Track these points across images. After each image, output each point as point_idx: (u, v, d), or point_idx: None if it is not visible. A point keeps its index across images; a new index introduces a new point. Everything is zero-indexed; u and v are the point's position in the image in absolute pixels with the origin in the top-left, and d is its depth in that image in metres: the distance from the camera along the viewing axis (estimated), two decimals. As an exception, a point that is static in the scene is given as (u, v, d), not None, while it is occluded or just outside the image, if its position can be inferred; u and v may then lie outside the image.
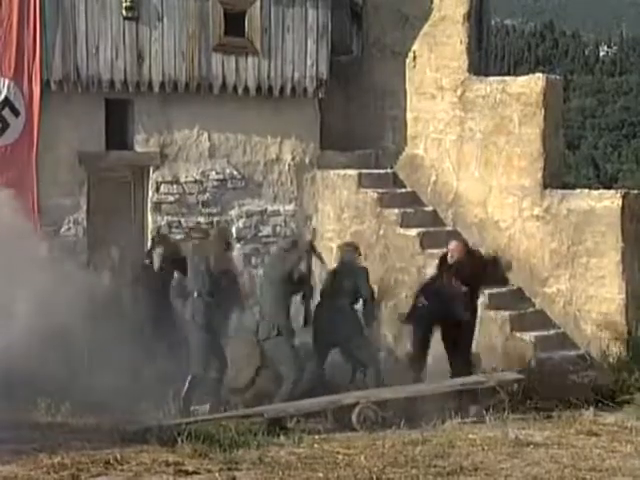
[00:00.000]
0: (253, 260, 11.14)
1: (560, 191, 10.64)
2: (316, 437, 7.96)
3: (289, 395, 8.55)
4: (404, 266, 10.78)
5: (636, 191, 10.70)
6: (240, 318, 9.49)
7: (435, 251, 10.75)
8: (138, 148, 10.61)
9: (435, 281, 9.49)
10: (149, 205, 10.64)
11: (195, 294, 8.98)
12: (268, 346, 8.80)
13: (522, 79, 10.87)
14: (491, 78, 11.19)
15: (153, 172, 10.67)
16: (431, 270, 10.13)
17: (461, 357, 9.16)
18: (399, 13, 11.50)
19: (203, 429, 7.70)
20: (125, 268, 9.41)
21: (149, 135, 10.61)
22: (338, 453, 7.24)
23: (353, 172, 11.38)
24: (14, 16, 9.71)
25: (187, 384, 8.72)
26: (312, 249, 9.51)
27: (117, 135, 10.46)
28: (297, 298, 9.13)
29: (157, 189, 10.69)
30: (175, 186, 10.76)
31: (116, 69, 10.24)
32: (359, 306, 9.19)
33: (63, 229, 10.11)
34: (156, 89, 10.48)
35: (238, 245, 11.01)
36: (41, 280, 8.37)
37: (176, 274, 9.31)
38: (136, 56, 10.31)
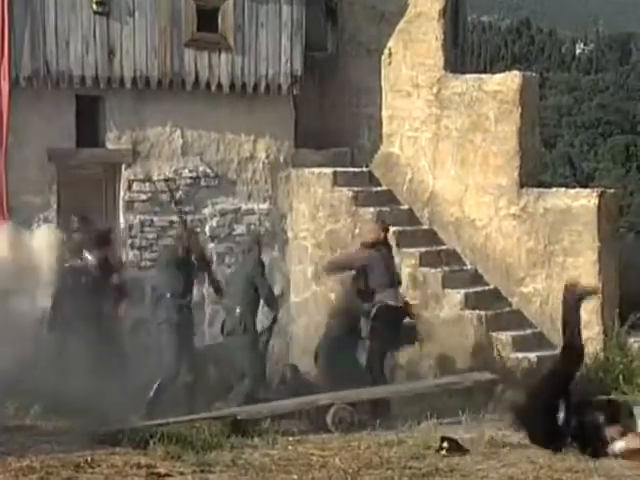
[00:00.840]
0: (227, 259, 11.10)
1: (536, 190, 10.69)
2: (290, 439, 7.96)
3: (249, 392, 8.59)
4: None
5: (612, 190, 10.80)
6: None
7: (411, 250, 10.78)
8: (110, 145, 10.55)
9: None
10: (121, 204, 10.59)
11: (168, 295, 8.95)
12: (231, 341, 8.86)
13: (498, 76, 10.92)
14: (467, 75, 11.23)
15: (125, 170, 10.61)
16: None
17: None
18: (374, 9, 11.51)
19: (175, 431, 7.68)
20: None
21: (121, 132, 10.55)
22: (313, 455, 7.24)
23: (328, 170, 11.37)
24: (-19, 11, 9.63)
25: (155, 388, 8.68)
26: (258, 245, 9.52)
27: (88, 132, 10.39)
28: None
29: (129, 187, 10.63)
30: (147, 184, 10.71)
31: (87, 65, 10.17)
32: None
33: (33, 228, 10.04)
34: (128, 85, 10.43)
35: (212, 244, 10.98)
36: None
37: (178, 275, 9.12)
38: (107, 52, 10.25)
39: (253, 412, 8.36)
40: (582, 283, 7.64)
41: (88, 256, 8.84)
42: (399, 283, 9.53)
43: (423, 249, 10.88)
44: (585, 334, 10.05)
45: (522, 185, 10.68)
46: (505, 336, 10.28)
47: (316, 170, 11.43)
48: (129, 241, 10.58)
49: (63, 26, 10.02)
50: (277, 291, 11.02)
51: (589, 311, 10.16)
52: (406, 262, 10.72)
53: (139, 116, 10.63)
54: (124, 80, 10.39)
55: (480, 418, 8.54)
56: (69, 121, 10.25)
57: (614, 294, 10.35)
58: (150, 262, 10.63)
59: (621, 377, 9.77)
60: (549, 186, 11.41)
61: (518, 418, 6.77)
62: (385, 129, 11.54)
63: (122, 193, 10.61)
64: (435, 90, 11.14)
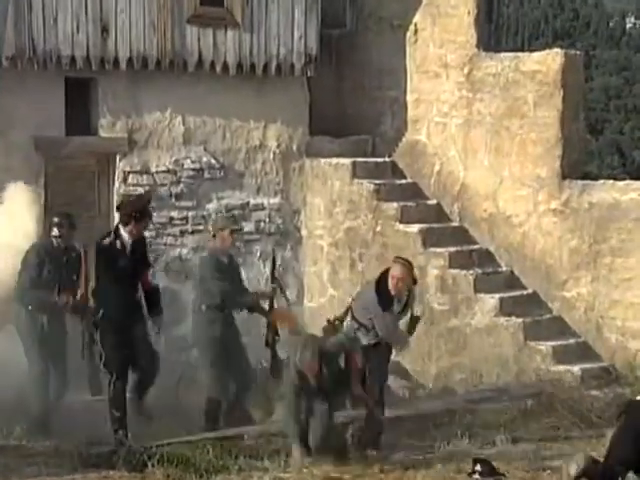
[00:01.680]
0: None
1: (581, 182, 10.66)
2: (304, 460, 7.96)
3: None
4: (404, 267, 10.77)
5: (667, 182, 10.74)
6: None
7: (440, 250, 10.78)
8: (103, 133, 10.59)
9: None
10: (115, 198, 10.62)
11: (203, 307, 8.84)
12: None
13: (538, 55, 10.90)
14: (503, 54, 11.21)
15: (120, 160, 10.66)
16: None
17: None
18: (398, -20, 11.53)
19: (177, 452, 7.70)
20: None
21: (115, 119, 10.59)
22: (330, 478, 7.24)
23: (346, 161, 11.38)
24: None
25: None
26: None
27: (79, 119, 10.42)
28: None
29: (124, 180, 10.69)
30: (145, 176, 10.77)
31: (77, 43, 10.20)
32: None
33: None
34: (123, 66, 10.46)
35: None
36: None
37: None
38: (100, 29, 10.28)
39: (261, 431, 8.37)
40: None
41: (123, 233, 8.09)
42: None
43: (453, 249, 10.88)
44: (636, 344, 10.11)
45: (564, 177, 10.66)
46: (545, 346, 10.26)
47: (333, 160, 11.45)
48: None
49: (51, 0, 10.07)
50: (291, 296, 11.06)
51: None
52: (434, 263, 10.72)
53: (135, 101, 10.67)
54: (119, 60, 10.42)
55: (517, 438, 8.52)
56: (58, 106, 10.30)
57: (668, 299, 10.32)
58: (148, 263, 10.66)
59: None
60: (595, 178, 11.38)
61: None
62: (410, 114, 11.54)
63: (117, 186, 10.66)
64: (466, 71, 11.14)
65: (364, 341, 8.04)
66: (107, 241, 8.06)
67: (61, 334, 8.75)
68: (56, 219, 8.91)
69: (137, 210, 8.10)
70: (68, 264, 8.69)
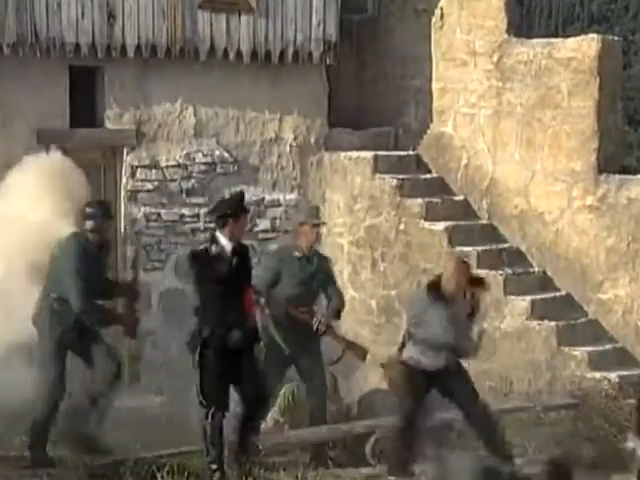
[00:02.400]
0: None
1: (618, 177, 10.65)
2: (321, 471, 7.99)
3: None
4: (429, 267, 10.78)
5: None
6: None
7: (467, 248, 10.77)
8: (109, 125, 10.62)
9: None
10: (123, 194, 10.67)
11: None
12: None
13: (572, 41, 10.88)
14: (535, 40, 11.20)
15: (128, 154, 10.69)
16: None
17: None
18: (423, -38, 11.54)
19: (187, 462, 7.73)
20: None
21: (123, 110, 10.62)
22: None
23: (368, 154, 11.39)
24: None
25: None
26: None
27: (84, 109, 10.47)
28: None
29: (132, 174, 10.72)
30: (154, 171, 10.80)
31: (82, 30, 10.23)
32: None
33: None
34: (130, 54, 10.49)
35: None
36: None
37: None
38: (106, 14, 10.32)
39: (279, 441, 8.40)
40: None
41: (221, 237, 7.44)
42: None
43: (481, 247, 10.87)
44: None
45: (601, 171, 10.64)
46: (580, 352, 10.24)
47: (353, 154, 11.45)
48: (132, 238, 10.65)
49: (54, -16, 10.13)
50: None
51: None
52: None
53: (144, 91, 10.70)
54: (126, 48, 10.45)
55: (552, 453, 8.51)
56: (61, 96, 10.34)
57: None
58: (158, 263, 10.73)
59: None
60: (634, 172, 11.34)
61: None
62: (436, 105, 11.53)
63: (124, 181, 10.70)
64: (496, 58, 11.13)
65: (427, 365, 7.79)
66: (202, 247, 7.43)
67: (96, 341, 8.05)
68: (89, 209, 7.99)
69: (232, 206, 7.46)
70: (101, 263, 8.03)
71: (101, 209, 8.08)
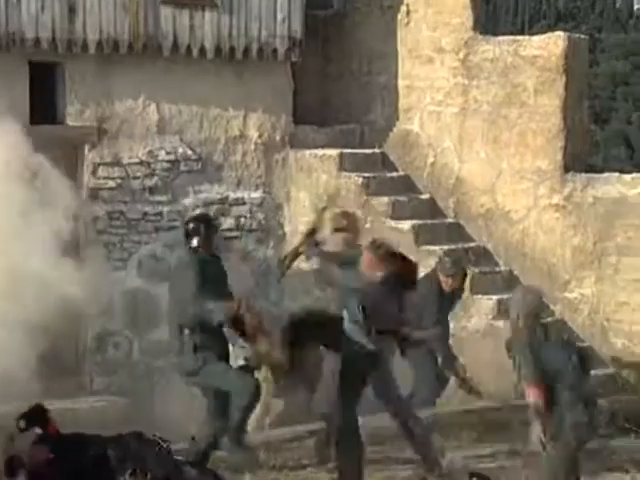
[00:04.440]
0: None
1: (584, 175, 10.71)
2: (290, 474, 7.99)
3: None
4: (395, 266, 10.81)
5: (677, 175, 10.79)
6: None
7: (433, 247, 10.81)
8: (70, 122, 10.59)
9: None
10: (84, 192, 10.62)
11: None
12: None
13: (539, 39, 10.93)
14: (501, 38, 11.25)
15: (89, 152, 10.66)
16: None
17: None
18: (389, -42, 11.56)
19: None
20: None
21: (84, 106, 10.59)
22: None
23: (333, 152, 11.40)
24: None
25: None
26: None
27: (44, 106, 10.42)
28: None
29: (94, 172, 10.68)
30: (116, 169, 10.76)
31: (42, 25, 10.20)
32: None
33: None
34: (92, 50, 10.46)
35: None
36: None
37: None
38: (67, 9, 10.29)
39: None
40: None
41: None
42: None
43: (447, 246, 10.91)
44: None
45: (567, 170, 10.70)
46: (546, 351, 10.29)
47: (319, 152, 11.46)
48: (94, 237, 10.61)
49: (14, -22, 10.08)
50: (273, 297, 11.09)
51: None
52: (426, 262, 10.72)
53: (106, 87, 10.67)
54: (87, 43, 10.42)
55: (519, 452, 8.56)
56: (21, 93, 10.28)
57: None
58: (120, 262, 10.69)
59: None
60: (600, 171, 11.43)
61: None
62: (402, 102, 11.56)
63: (86, 179, 10.65)
64: (462, 55, 11.17)
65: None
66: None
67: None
68: (192, 225, 7.70)
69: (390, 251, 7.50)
70: (218, 280, 7.70)
71: (205, 223, 7.83)
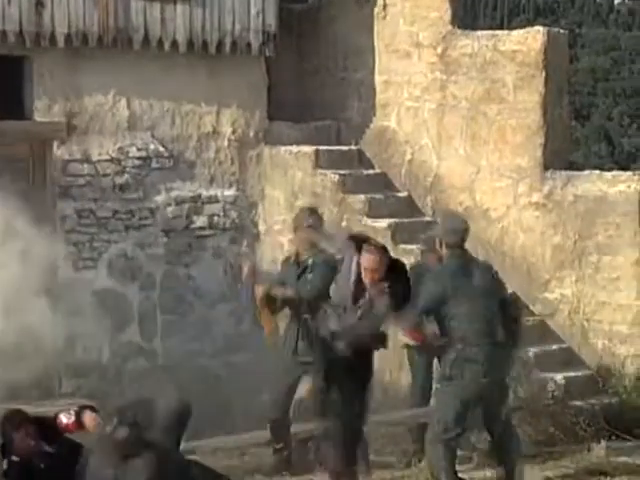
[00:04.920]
0: (185, 259, 11.07)
1: (565, 173, 10.67)
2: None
3: None
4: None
5: (658, 173, 10.77)
6: None
7: (411, 246, 10.74)
8: (38, 117, 10.49)
9: None
10: (53, 189, 10.50)
11: None
12: None
13: (518, 34, 10.90)
14: (480, 32, 11.21)
15: (58, 148, 10.56)
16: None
17: None
18: (365, -50, 11.50)
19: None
20: None
21: (52, 101, 10.49)
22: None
23: (309, 149, 11.34)
24: None
25: None
26: None
27: (11, 101, 10.31)
28: None
29: (63, 169, 10.59)
30: (86, 166, 10.69)
31: (9, 18, 10.08)
32: None
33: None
34: (61, 43, 10.37)
35: (165, 239, 10.95)
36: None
37: None
38: (35, 1, 10.18)
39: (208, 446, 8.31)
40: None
41: None
42: None
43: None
44: (625, 350, 10.14)
45: (547, 167, 10.67)
46: (525, 352, 10.24)
47: (294, 148, 11.40)
48: (63, 235, 10.52)
49: (-21, -31, 9.97)
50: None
51: (630, 322, 10.18)
52: (404, 261, 10.65)
53: (75, 82, 10.57)
54: (56, 37, 10.32)
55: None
56: (-13, 88, 10.18)
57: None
58: (90, 261, 10.61)
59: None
60: (580, 168, 11.40)
61: None
62: (379, 98, 11.51)
63: (54, 176, 10.55)
64: (440, 50, 11.12)
65: None
66: None
67: None
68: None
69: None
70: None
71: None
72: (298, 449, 8.58)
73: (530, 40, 10.69)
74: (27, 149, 10.51)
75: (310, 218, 8.52)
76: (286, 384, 8.43)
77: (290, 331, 8.40)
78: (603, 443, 8.91)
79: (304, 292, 8.28)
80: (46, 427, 6.37)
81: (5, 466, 6.43)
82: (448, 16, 11.10)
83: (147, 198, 10.96)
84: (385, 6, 11.45)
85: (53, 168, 10.54)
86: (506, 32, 11.21)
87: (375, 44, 11.50)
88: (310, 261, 8.49)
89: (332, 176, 11.20)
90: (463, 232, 7.65)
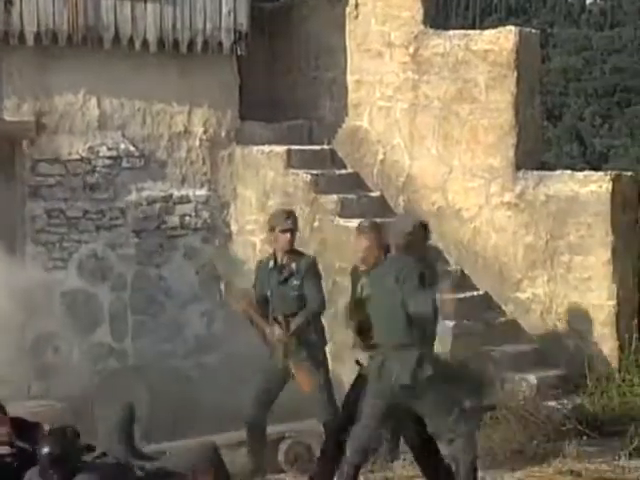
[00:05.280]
0: (156, 259, 11.04)
1: (536, 173, 10.71)
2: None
3: None
4: (344, 266, 10.73)
5: (630, 173, 10.83)
6: None
7: (383, 247, 10.75)
8: (7, 116, 10.42)
9: None
10: (22, 189, 10.44)
11: None
12: None
13: (490, 33, 10.92)
14: (452, 32, 11.22)
15: (27, 147, 10.51)
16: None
17: None
18: (337, -51, 11.51)
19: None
20: None
21: (21, 100, 10.44)
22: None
23: (280, 149, 11.32)
24: None
25: None
26: None
27: (-20, 100, 10.30)
28: None
29: (33, 169, 10.54)
30: (56, 165, 10.64)
31: (-22, 16, 10.05)
32: None
33: None
34: (30, 42, 10.32)
35: (136, 240, 10.92)
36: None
37: None
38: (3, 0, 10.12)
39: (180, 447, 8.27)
40: None
41: None
42: None
43: (398, 246, 10.86)
44: (596, 349, 10.19)
45: (519, 167, 10.70)
46: (498, 352, 10.28)
47: (266, 148, 11.38)
48: (33, 236, 10.47)
49: (-53, -33, 9.91)
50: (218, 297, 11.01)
51: (602, 323, 10.23)
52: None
53: (44, 80, 10.52)
54: (25, 35, 10.27)
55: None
56: (-44, 86, 10.13)
57: (632, 301, 10.40)
58: (60, 261, 10.56)
59: None
60: (552, 168, 11.44)
61: None
62: (351, 98, 11.52)
63: (24, 176, 10.49)
64: (412, 50, 11.13)
65: None
66: None
67: None
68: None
69: None
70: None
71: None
72: (269, 450, 8.59)
73: (502, 40, 10.72)
74: (-4, 149, 10.47)
75: (289, 220, 8.50)
76: (267, 386, 8.41)
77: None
78: (575, 443, 8.93)
79: (316, 307, 8.45)
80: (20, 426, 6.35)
81: None
82: (420, 16, 11.11)
83: (118, 198, 10.92)
84: (357, 5, 11.46)
85: (22, 168, 10.50)
86: (478, 32, 11.23)
87: (347, 43, 11.51)
88: (294, 266, 8.48)
89: (304, 176, 11.20)
90: (407, 235, 7.41)
